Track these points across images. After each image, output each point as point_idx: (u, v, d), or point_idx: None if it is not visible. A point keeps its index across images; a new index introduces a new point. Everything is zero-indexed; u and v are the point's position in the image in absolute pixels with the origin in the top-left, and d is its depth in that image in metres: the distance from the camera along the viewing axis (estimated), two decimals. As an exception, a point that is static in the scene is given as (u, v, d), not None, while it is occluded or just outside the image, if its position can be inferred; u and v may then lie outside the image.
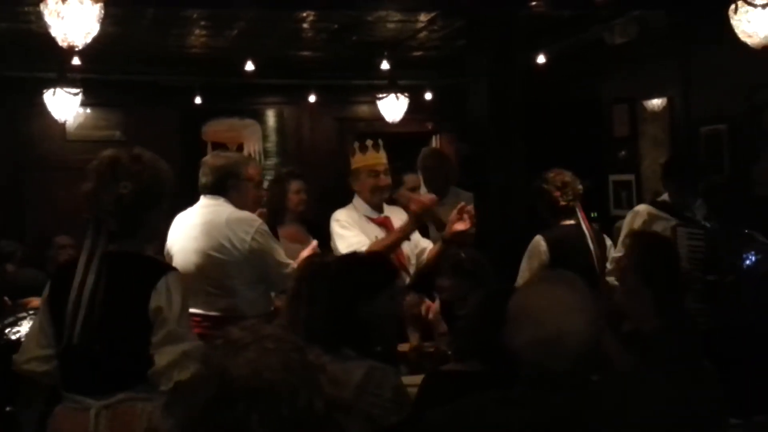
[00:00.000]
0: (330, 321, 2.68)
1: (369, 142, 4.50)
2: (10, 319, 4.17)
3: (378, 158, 4.50)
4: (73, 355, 2.55)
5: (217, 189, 3.95)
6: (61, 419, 2.58)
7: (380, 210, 4.57)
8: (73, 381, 2.59)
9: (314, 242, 4.34)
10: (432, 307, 4.34)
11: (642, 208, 4.80)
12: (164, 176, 2.69)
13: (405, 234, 4.33)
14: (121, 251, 2.61)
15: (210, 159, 4.10)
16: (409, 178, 5.07)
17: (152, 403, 2.50)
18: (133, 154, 2.66)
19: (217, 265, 3.84)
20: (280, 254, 3.91)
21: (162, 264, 2.74)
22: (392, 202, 4.81)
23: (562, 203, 4.58)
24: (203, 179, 4.00)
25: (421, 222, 4.40)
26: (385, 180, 4.50)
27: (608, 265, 4.51)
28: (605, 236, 4.81)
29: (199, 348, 2.44)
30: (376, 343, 2.83)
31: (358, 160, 4.53)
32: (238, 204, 3.95)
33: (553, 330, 1.92)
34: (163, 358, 2.48)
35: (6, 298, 4.63)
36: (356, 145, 4.60)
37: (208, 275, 3.86)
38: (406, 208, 4.63)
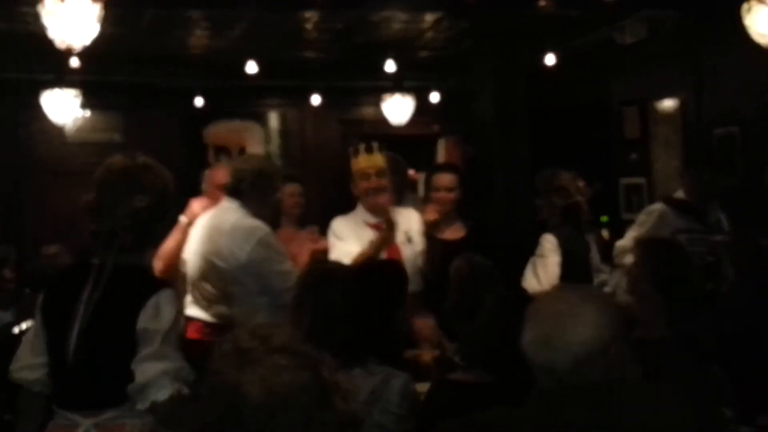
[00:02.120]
0: (360, 331, 2.70)
1: (362, 146, 4.43)
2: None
3: (370, 161, 4.39)
4: (63, 372, 2.52)
5: (236, 192, 3.91)
6: None
7: (381, 214, 4.44)
8: (64, 397, 2.55)
9: (322, 241, 4.29)
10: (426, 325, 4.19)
11: (657, 206, 4.83)
12: (171, 186, 2.66)
13: (383, 240, 4.23)
14: (121, 264, 2.55)
15: (237, 162, 4.08)
16: (443, 178, 4.70)
17: (141, 420, 2.47)
18: (141, 163, 2.61)
19: (217, 272, 3.81)
20: (284, 266, 3.82)
21: (155, 280, 2.68)
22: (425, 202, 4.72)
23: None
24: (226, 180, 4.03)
25: (393, 228, 4.28)
26: (377, 182, 4.36)
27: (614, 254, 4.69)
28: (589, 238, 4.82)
29: (182, 369, 2.45)
30: (399, 348, 2.90)
31: (353, 164, 4.47)
32: (256, 209, 3.88)
33: (559, 326, 1.94)
34: (141, 374, 2.43)
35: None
36: (351, 149, 4.53)
37: (210, 281, 3.84)
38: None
